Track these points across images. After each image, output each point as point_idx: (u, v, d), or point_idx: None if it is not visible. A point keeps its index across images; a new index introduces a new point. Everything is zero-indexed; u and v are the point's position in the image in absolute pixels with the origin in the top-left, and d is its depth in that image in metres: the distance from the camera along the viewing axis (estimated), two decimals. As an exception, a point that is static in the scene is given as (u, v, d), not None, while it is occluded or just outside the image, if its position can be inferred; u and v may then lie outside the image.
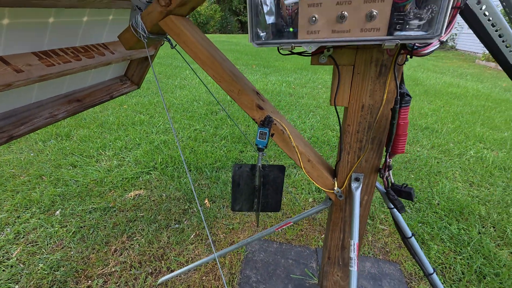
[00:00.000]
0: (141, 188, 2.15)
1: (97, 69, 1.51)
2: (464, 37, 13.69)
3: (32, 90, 1.19)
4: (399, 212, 0.79)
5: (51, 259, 1.50)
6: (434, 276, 0.93)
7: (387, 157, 0.73)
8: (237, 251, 1.60)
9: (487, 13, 0.64)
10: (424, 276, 1.46)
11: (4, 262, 1.49)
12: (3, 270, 1.44)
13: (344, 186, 0.81)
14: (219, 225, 1.81)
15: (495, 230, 1.82)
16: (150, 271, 1.47)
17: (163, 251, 1.59)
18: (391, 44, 0.51)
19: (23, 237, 1.65)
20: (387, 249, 1.67)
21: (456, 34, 14.54)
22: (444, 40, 0.56)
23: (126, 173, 2.32)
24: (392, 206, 0.87)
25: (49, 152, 2.60)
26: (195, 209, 1.94)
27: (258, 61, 8.27)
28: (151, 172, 2.37)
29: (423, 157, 2.75)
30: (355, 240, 0.75)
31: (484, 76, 7.45)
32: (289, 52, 0.65)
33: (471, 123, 3.74)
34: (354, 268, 0.75)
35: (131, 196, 2.06)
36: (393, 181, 0.80)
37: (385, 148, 0.73)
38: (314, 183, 0.83)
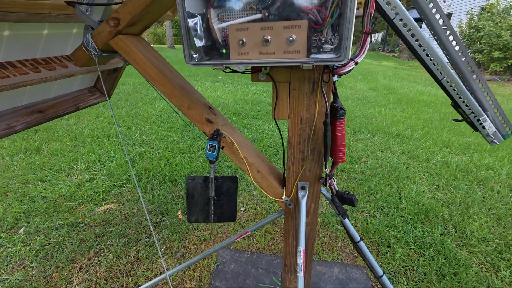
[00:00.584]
0: (112, 202, 2.11)
1: (61, 81, 1.50)
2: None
3: None
4: (342, 218, 0.84)
5: (10, 280, 1.44)
6: (384, 278, 0.98)
7: (325, 166, 0.78)
8: (207, 263, 1.60)
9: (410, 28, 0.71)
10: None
11: (-42, 286, 1.41)
12: (-44, 295, 1.37)
13: (292, 195, 0.85)
14: (191, 236, 1.80)
15: (456, 231, 1.92)
16: (116, 287, 1.44)
17: (131, 266, 1.57)
18: (308, 65, 0.56)
19: (-19, 258, 1.57)
20: (355, 254, 1.73)
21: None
22: (359, 61, 0.62)
23: (97, 187, 2.27)
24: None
25: (17, 167, 2.50)
26: (167, 221, 1.93)
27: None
28: (124, 185, 2.33)
29: (393, 163, 2.87)
30: (301, 247, 0.79)
31: (453, 85, 7.90)
32: (230, 71, 0.69)
33: (439, 129, 3.95)
34: (300, 274, 0.78)
35: (101, 210, 2.01)
36: (337, 189, 0.85)
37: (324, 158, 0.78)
38: (264, 192, 0.86)
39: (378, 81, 7.71)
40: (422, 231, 1.90)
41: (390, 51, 19.22)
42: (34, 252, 1.62)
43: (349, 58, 0.55)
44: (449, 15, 13.67)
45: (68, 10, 1.08)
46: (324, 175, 0.82)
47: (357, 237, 0.91)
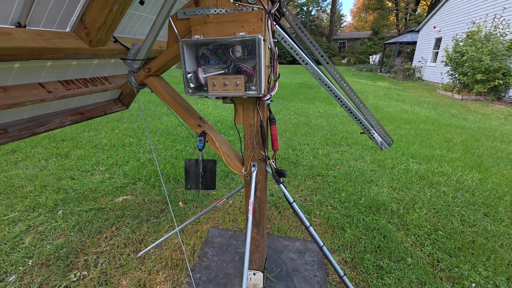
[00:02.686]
0: (127, 194, 2.66)
1: (98, 93, 2.10)
2: (428, 70, 15.31)
3: (51, 104, 1.77)
4: (277, 183, 1.37)
5: (56, 243, 1.98)
6: (310, 228, 1.48)
7: (264, 152, 1.34)
8: (200, 236, 2.11)
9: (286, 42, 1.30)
10: (325, 248, 2.02)
11: (19, 246, 1.94)
12: (19, 251, 1.90)
13: (248, 170, 1.39)
14: (188, 218, 2.33)
15: (398, 220, 2.41)
16: (132, 249, 1.96)
17: (143, 237, 2.09)
18: (245, 96, 1.14)
19: (33, 229, 2.11)
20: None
21: (421, 67, 16.23)
22: (272, 94, 1.20)
23: (116, 183, 2.83)
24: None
25: (51, 168, 3.09)
26: (171, 208, 2.46)
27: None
28: (136, 182, 2.89)
29: (363, 169, 3.40)
30: (251, 200, 1.32)
31: (439, 104, 8.49)
32: (209, 98, 1.27)
33: (411, 143, 4.47)
34: (250, 215, 1.31)
35: (119, 200, 2.56)
36: (275, 167, 1.40)
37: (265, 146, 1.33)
38: (232, 169, 1.41)
39: (367, 101, 8.34)
40: (371, 219, 2.40)
41: (387, 72, 20.06)
42: (71, 226, 2.16)
43: (263, 93, 1.13)
44: (439, 40, 14.54)
45: (113, 52, 1.71)
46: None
47: (290, 199, 1.45)
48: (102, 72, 1.96)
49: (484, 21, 10.02)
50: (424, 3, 36.64)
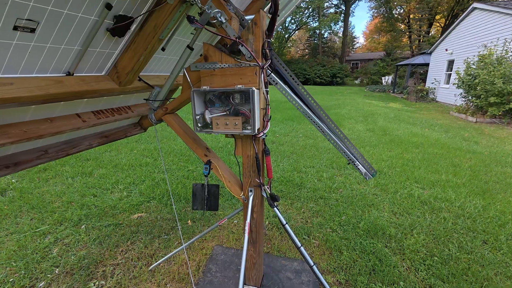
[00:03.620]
0: (142, 212, 2.92)
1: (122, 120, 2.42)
2: (442, 91, 15.22)
3: (83, 129, 2.09)
4: (271, 206, 1.57)
5: (79, 254, 2.23)
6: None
7: (259, 179, 1.55)
8: (205, 253, 2.30)
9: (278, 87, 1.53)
10: (313, 269, 2.14)
11: (48, 255, 2.21)
12: (48, 260, 2.16)
13: (246, 194, 1.61)
14: (195, 235, 2.52)
15: (395, 244, 2.50)
16: (144, 263, 2.18)
17: (154, 252, 2.31)
18: (242, 134, 1.38)
19: (60, 241, 2.39)
20: (313, 255, 2.35)
21: (435, 89, 16.16)
22: (265, 132, 1.44)
23: (132, 201, 3.10)
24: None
25: (77, 185, 3.44)
26: (179, 226, 2.68)
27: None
28: (151, 201, 3.16)
29: (365, 193, 3.50)
30: (247, 221, 1.52)
31: (451, 127, 8.42)
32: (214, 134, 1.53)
33: (417, 167, 4.53)
34: (246, 239, 1.50)
35: (135, 217, 2.82)
36: (270, 192, 1.61)
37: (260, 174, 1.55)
38: (232, 193, 1.63)
39: (377, 123, 8.43)
40: (368, 243, 2.50)
41: (400, 93, 20.05)
42: (92, 239, 2.42)
43: (257, 132, 1.37)
44: (451, 62, 14.56)
45: (138, 88, 2.04)
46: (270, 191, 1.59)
47: (283, 221, 1.64)
48: (126, 102, 2.29)
49: (495, 45, 10.06)
50: (438, 25, 36.96)
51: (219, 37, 1.88)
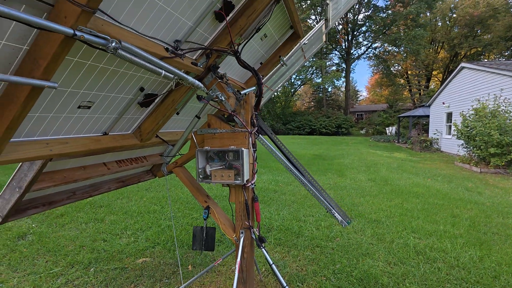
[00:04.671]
0: (147, 257, 3.12)
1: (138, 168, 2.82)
2: (445, 141, 15.52)
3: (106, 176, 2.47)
4: (258, 247, 1.82)
5: (87, 295, 2.41)
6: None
7: (248, 222, 1.84)
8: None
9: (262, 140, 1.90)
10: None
11: (59, 296, 2.40)
12: (58, 300, 2.35)
13: (237, 236, 1.87)
14: (195, 282, 2.68)
15: (387, 293, 2.56)
16: (145, 305, 2.33)
17: (156, 295, 2.46)
18: (233, 184, 1.74)
19: (70, 283, 2.59)
20: (305, 302, 2.44)
21: (438, 139, 16.51)
22: (253, 182, 1.80)
23: (138, 246, 3.32)
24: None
25: (89, 230, 3.71)
26: (180, 271, 2.84)
27: (259, 162, 9.88)
28: (156, 246, 3.36)
29: (361, 242, 3.60)
30: (238, 260, 1.76)
31: (455, 177, 8.48)
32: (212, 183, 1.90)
33: (415, 217, 4.61)
34: (236, 277, 1.73)
35: (140, 261, 3.01)
36: (259, 234, 1.88)
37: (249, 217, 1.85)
38: (226, 234, 1.90)
39: (379, 173, 8.62)
40: (360, 291, 2.58)
41: (405, 142, 20.42)
42: (99, 281, 2.61)
43: (245, 182, 1.73)
44: (450, 114, 15.18)
45: (154, 143, 2.49)
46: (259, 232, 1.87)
47: (270, 261, 1.86)
48: (143, 153, 2.73)
49: (487, 100, 10.68)
50: (436, 79, 39.23)
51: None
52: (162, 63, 1.34)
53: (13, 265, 2.84)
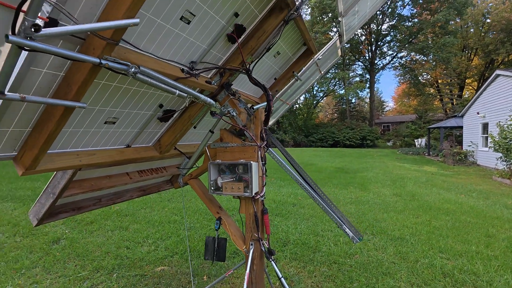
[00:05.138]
0: (165, 265, 3.23)
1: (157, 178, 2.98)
2: (481, 154, 14.38)
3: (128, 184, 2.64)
4: (267, 259, 1.84)
5: (108, 299, 2.55)
6: None
7: (258, 234, 1.88)
8: (216, 308, 2.47)
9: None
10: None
11: (84, 298, 2.57)
12: (83, 302, 2.52)
13: (247, 247, 1.91)
14: (209, 292, 2.72)
15: (408, 316, 2.41)
16: (161, 313, 2.41)
17: (171, 303, 2.54)
18: (243, 196, 1.80)
19: (95, 286, 2.76)
20: (319, 320, 2.37)
21: (473, 151, 15.34)
22: (262, 194, 1.86)
23: (158, 255, 3.46)
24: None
25: (115, 238, 3.94)
26: (196, 281, 2.91)
27: (278, 174, 9.85)
28: (174, 256, 3.48)
29: (382, 260, 3.44)
30: (247, 272, 1.80)
31: (492, 193, 7.81)
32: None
33: (444, 236, 4.30)
34: (244, 284, 1.76)
35: (158, 269, 3.13)
36: (268, 246, 1.90)
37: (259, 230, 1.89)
38: (236, 245, 1.95)
39: (405, 187, 8.19)
40: (379, 312, 2.46)
41: (436, 155, 19.21)
42: (121, 287, 2.75)
43: (254, 194, 1.79)
44: (486, 125, 14.13)
45: (172, 154, 2.64)
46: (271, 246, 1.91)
47: (279, 274, 1.87)
48: (162, 164, 2.88)
49: (526, 109, 9.85)
50: (471, 87, 36.85)
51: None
52: (176, 83, 1.48)
53: (47, 268, 3.10)
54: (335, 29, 33.92)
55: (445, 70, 32.07)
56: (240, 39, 1.88)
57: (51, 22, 0.99)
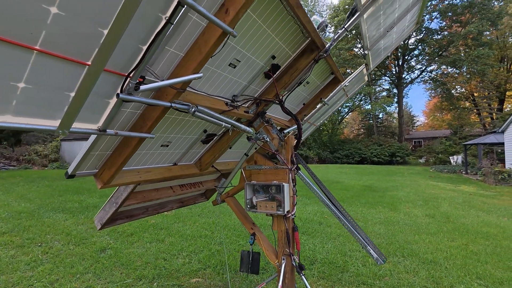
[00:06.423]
0: (199, 277, 3.46)
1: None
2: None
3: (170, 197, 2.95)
4: (298, 273, 1.99)
5: (151, 305, 2.82)
6: None
7: (289, 250, 2.05)
8: (248, 320, 2.62)
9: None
10: None
11: (130, 303, 2.86)
12: (130, 307, 2.80)
13: (279, 261, 2.09)
14: (241, 305, 2.88)
15: None
16: (198, 321, 2.61)
17: (207, 312, 2.74)
18: (276, 214, 2.01)
19: (138, 293, 3.06)
20: None
21: (518, 170, 14.07)
22: (293, 212, 2.06)
23: (192, 267, 3.71)
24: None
25: (152, 249, 4.28)
26: (229, 294, 3.09)
27: (303, 192, 9.82)
28: (207, 268, 3.70)
29: (413, 284, 3.37)
30: (279, 285, 1.96)
31: (541, 217, 7.16)
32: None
33: (483, 262, 4.08)
34: (279, 296, 1.92)
35: (193, 281, 3.37)
36: (299, 261, 2.06)
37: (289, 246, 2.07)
38: (269, 260, 2.13)
39: (439, 208, 7.78)
40: (410, 336, 2.44)
41: (475, 174, 17.87)
42: (161, 295, 3.02)
43: (286, 212, 1.99)
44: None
45: (210, 171, 2.94)
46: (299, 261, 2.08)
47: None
48: (200, 179, 3.19)
49: None
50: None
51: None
52: (222, 117, 1.78)
53: (97, 274, 3.47)
54: (359, 45, 33.86)
55: (481, 82, 30.30)
56: (275, 75, 2.17)
57: (142, 80, 1.34)
